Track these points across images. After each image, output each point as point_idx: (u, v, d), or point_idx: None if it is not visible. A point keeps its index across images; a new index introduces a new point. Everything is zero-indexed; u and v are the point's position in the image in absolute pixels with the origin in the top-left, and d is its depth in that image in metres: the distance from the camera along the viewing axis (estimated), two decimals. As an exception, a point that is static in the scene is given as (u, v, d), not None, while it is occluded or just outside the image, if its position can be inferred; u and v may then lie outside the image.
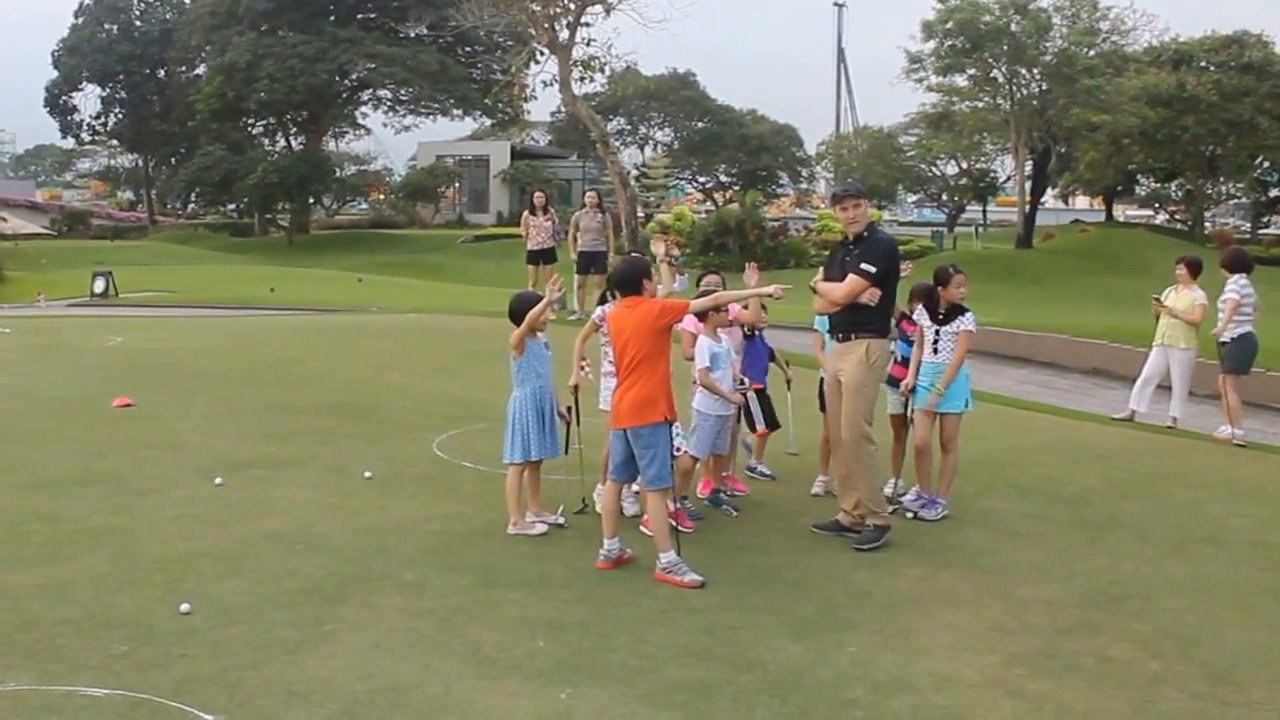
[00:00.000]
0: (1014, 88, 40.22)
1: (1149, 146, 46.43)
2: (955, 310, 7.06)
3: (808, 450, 8.17)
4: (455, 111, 55.35)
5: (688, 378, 6.92)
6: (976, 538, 6.64)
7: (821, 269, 6.83)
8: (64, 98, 60.20)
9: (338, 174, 59.32)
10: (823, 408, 7.14)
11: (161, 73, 59.71)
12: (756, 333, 7.71)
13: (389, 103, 56.85)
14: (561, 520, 6.58)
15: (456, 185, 63.96)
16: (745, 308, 7.30)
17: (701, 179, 74.80)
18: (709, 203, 67.88)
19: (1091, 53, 39.17)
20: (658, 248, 7.43)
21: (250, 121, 55.28)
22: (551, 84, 26.38)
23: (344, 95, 54.83)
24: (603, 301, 7.01)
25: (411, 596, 5.31)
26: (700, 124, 70.57)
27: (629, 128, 71.94)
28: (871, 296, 6.32)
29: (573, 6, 24.35)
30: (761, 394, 7.73)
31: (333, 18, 51.20)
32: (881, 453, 6.83)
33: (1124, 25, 40.73)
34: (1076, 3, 39.52)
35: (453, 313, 18.83)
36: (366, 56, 49.09)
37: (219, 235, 55.36)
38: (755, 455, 8.01)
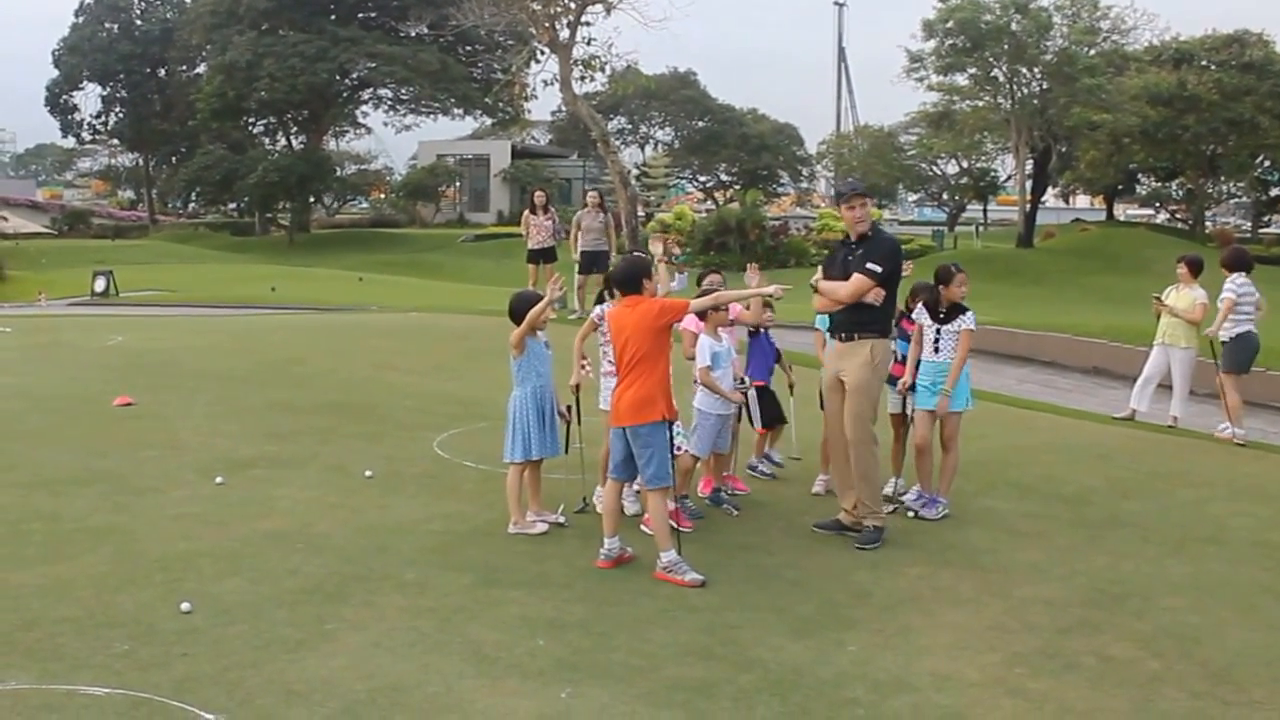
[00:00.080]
0: (1015, 87, 40.20)
1: (1150, 146, 46.41)
2: (956, 309, 7.06)
3: (809, 450, 8.17)
4: (456, 111, 55.31)
5: (689, 377, 6.92)
6: (977, 537, 6.64)
7: (820, 268, 6.83)
8: (65, 97, 60.17)
9: (338, 173, 59.31)
10: (823, 406, 7.14)
11: (162, 72, 59.67)
12: (762, 331, 7.71)
13: (389, 102, 56.84)
14: (562, 519, 6.58)
15: (457, 184, 63.95)
16: (746, 307, 7.30)
17: (702, 178, 74.79)
18: (709, 202, 67.87)
19: (1092, 52, 39.15)
20: (656, 247, 7.43)
21: (251, 121, 55.26)
22: (552, 83, 26.41)
23: (344, 94, 54.82)
24: (599, 301, 7.00)
25: (412, 596, 5.31)
26: (701, 123, 70.55)
27: (629, 127, 71.93)
28: (876, 296, 6.34)
29: (573, 6, 24.33)
30: (765, 391, 7.73)
31: (333, 17, 51.16)
32: (881, 452, 6.82)
33: (1125, 24, 40.78)
34: (1077, 2, 39.50)
35: (453, 312, 18.83)
36: (367, 56, 49.09)
37: (219, 234, 55.35)
38: (756, 454, 8.01)
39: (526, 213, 17.01)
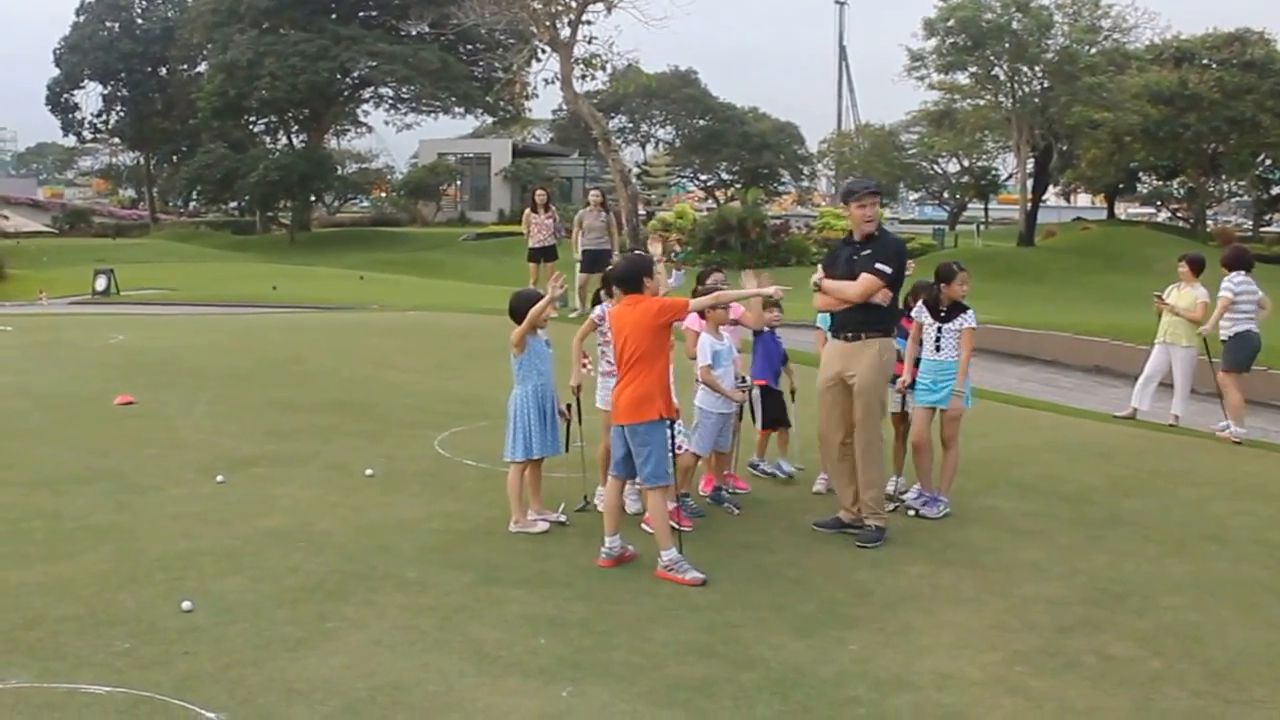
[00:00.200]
0: (1016, 85, 40.21)
1: (1151, 144, 46.43)
2: (956, 308, 7.06)
3: (808, 448, 8.16)
4: (457, 109, 55.27)
5: (691, 375, 6.92)
6: (978, 536, 6.64)
7: (820, 266, 6.82)
8: (66, 95, 60.15)
9: (339, 172, 59.25)
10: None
11: (163, 70, 59.65)
12: (766, 330, 7.70)
13: (390, 100, 56.80)
14: (563, 518, 6.58)
15: (458, 183, 63.92)
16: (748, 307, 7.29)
17: (703, 177, 74.73)
18: (710, 200, 67.83)
19: (1093, 50, 39.16)
20: (655, 247, 7.43)
21: (252, 119, 55.21)
22: (553, 82, 26.36)
23: (345, 93, 54.79)
24: (596, 302, 7.00)
25: (413, 594, 5.31)
26: (702, 122, 70.48)
27: (630, 125, 71.87)
28: (885, 297, 6.36)
29: (574, 4, 24.30)
30: (770, 392, 7.72)
31: (334, 15, 51.13)
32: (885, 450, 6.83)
33: (1125, 23, 40.78)
34: (1078, 1, 39.49)
35: (454, 310, 18.83)
36: (368, 54, 49.06)
37: (220, 233, 55.31)
38: (758, 453, 8.01)
39: (528, 211, 17.00)
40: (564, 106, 42.35)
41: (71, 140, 68.47)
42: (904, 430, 7.46)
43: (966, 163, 60.24)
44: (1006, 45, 38.28)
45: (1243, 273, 9.89)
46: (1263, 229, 58.73)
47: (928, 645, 4.92)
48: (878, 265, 6.32)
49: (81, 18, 58.77)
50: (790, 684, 4.47)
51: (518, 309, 6.43)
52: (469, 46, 51.59)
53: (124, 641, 4.64)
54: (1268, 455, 9.43)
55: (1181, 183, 55.61)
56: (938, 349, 7.06)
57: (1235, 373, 9.87)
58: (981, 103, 43.31)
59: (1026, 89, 40.23)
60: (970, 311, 7.08)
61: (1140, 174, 57.12)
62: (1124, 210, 67.66)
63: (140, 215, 64.20)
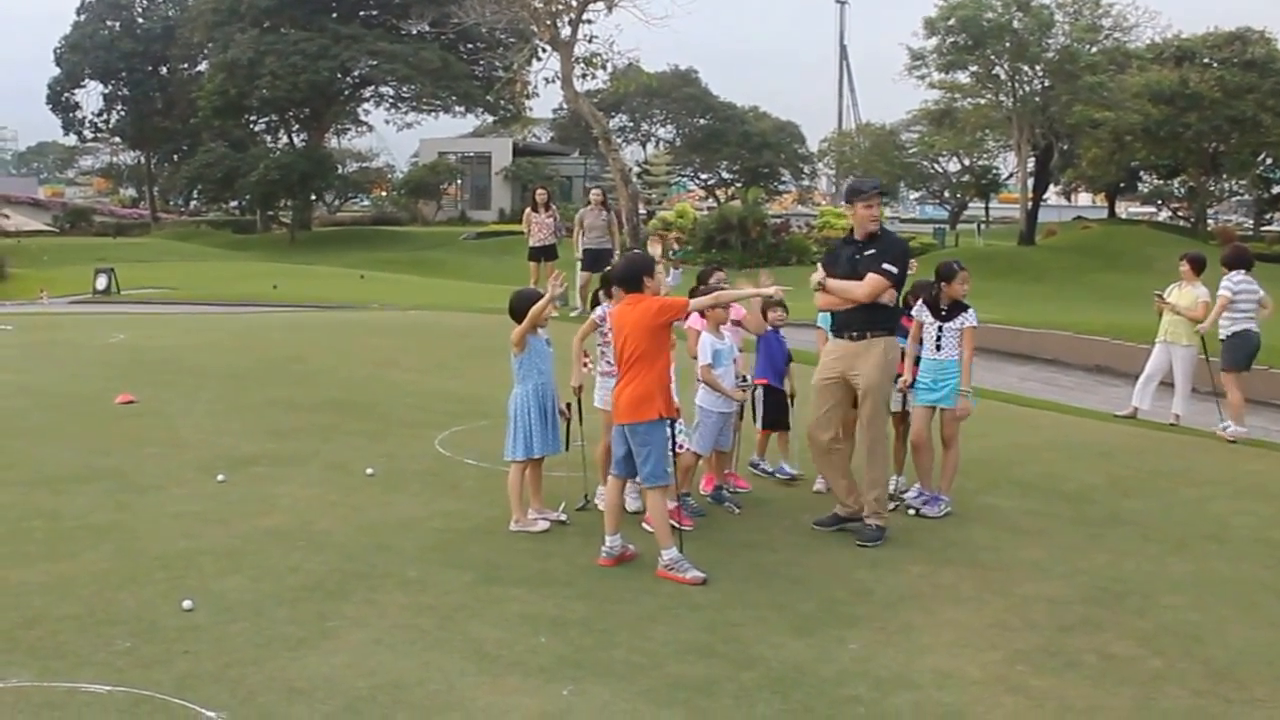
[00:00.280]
0: (1016, 84, 40.18)
1: (1151, 143, 46.40)
2: (957, 307, 7.06)
3: (809, 450, 8.14)
4: (457, 108, 55.27)
5: (693, 374, 6.92)
6: (978, 535, 6.64)
7: (820, 266, 6.82)
8: (66, 95, 60.16)
9: (340, 171, 59.23)
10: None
11: (164, 70, 59.65)
12: (770, 330, 7.69)
13: (391, 100, 56.79)
14: (563, 517, 6.58)
15: (458, 182, 63.88)
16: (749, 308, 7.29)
17: (703, 176, 74.72)
18: (711, 200, 67.82)
19: (1094, 49, 39.13)
20: (655, 247, 7.43)
21: (252, 118, 55.19)
22: (553, 81, 26.32)
23: (346, 92, 54.79)
24: (595, 302, 6.99)
25: (413, 593, 5.31)
26: (702, 121, 70.46)
27: (631, 125, 71.84)
28: (890, 297, 6.40)
29: (574, 3, 24.29)
30: (773, 391, 7.71)
31: (335, 15, 51.13)
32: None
33: (1126, 22, 40.72)
34: (1078, 0, 39.48)
35: (454, 309, 18.83)
36: (368, 53, 49.06)
37: (221, 232, 55.31)
38: (759, 452, 8.00)
39: (528, 210, 17.00)
40: (564, 105, 42.42)
41: (72, 139, 68.56)
42: (904, 429, 7.46)
43: (967, 162, 60.21)
44: (1007, 44, 38.26)
45: (1243, 272, 9.89)
46: (1263, 228, 58.67)
47: (928, 644, 4.92)
48: (884, 265, 6.33)
49: (82, 17, 58.78)
50: (791, 683, 4.47)
51: (518, 308, 6.43)
52: (469, 45, 51.59)
53: (124, 640, 4.64)
54: (1268, 455, 9.42)
55: (1182, 182, 55.58)
56: (938, 348, 7.06)
57: (1235, 372, 9.87)
58: (982, 102, 43.27)
59: (1027, 88, 40.20)
60: (971, 310, 7.08)
61: (1141, 173, 57.07)
62: (1125, 209, 67.64)
63: (141, 214, 64.20)
